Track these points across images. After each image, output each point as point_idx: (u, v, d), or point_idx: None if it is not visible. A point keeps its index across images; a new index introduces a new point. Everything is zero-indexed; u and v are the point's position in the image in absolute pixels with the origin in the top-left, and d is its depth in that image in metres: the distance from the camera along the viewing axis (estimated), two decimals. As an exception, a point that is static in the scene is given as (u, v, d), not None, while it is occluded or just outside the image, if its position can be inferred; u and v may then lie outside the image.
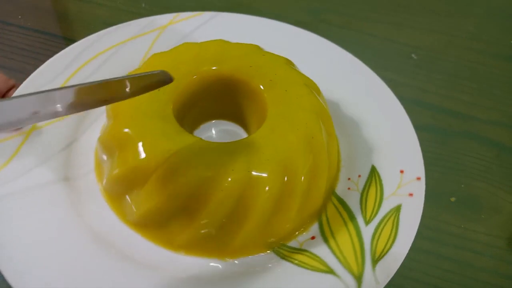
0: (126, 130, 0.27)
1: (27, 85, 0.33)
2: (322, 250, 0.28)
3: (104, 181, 0.30)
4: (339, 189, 0.32)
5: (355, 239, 0.28)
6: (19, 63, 0.40)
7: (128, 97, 0.22)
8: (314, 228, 0.30)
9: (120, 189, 0.29)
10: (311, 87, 0.31)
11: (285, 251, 0.28)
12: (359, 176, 0.32)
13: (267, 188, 0.26)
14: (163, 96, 0.29)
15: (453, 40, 0.47)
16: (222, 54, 0.31)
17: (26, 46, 0.42)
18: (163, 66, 0.30)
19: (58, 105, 0.20)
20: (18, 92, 0.32)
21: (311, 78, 0.32)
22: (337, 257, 0.28)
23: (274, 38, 0.38)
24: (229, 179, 0.25)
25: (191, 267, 0.27)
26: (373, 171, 0.32)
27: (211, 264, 0.28)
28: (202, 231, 0.27)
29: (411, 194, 0.30)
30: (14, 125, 0.20)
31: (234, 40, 0.33)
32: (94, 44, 0.37)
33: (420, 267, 0.31)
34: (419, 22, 0.48)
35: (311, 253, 0.28)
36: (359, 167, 0.32)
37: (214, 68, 0.31)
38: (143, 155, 0.26)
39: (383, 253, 0.28)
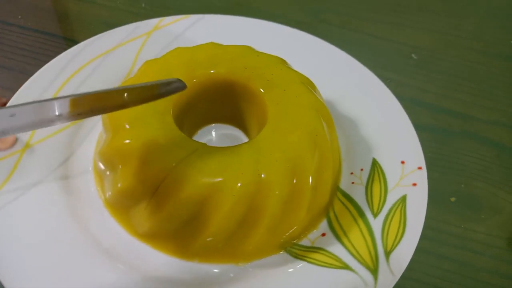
0: (127, 141, 0.27)
1: (17, 99, 0.32)
2: (335, 247, 0.28)
3: (108, 194, 0.29)
4: (343, 184, 0.32)
5: (366, 233, 0.29)
6: (19, 63, 0.40)
7: (142, 103, 0.23)
8: (323, 225, 0.30)
9: (127, 202, 0.28)
10: (308, 85, 0.31)
11: (297, 250, 0.28)
12: (362, 169, 0.32)
13: (277, 189, 0.26)
14: (161, 103, 0.28)
15: (453, 40, 0.47)
16: (216, 57, 0.31)
17: (26, 46, 0.42)
18: (157, 72, 0.30)
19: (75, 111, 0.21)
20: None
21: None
22: (351, 253, 0.28)
23: (264, 38, 0.38)
24: (239, 183, 0.25)
25: (205, 274, 0.27)
26: (375, 164, 0.32)
27: (225, 269, 0.28)
28: (215, 238, 0.27)
29: (414, 184, 0.30)
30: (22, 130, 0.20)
31: (223, 42, 0.33)
32: (79, 54, 0.36)
33: (420, 267, 0.31)
34: (419, 22, 0.48)
35: (325, 250, 0.28)
36: (361, 161, 0.32)
37: (209, 71, 0.31)
38: (149, 166, 0.26)
39: (394, 245, 0.28)
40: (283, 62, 0.32)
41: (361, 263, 0.27)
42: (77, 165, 0.31)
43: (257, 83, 0.30)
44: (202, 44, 0.32)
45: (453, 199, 0.34)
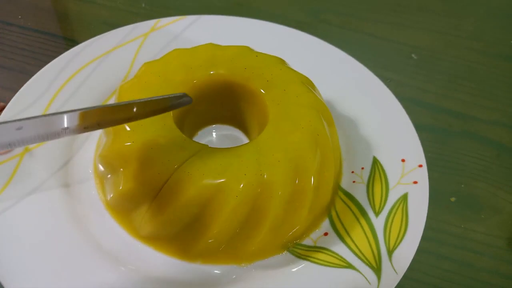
0: (128, 144, 0.27)
1: (14, 104, 0.32)
2: (337, 246, 0.28)
3: (109, 197, 0.29)
4: (344, 183, 0.32)
5: (368, 232, 0.29)
6: (19, 63, 0.40)
7: (148, 117, 0.24)
8: (325, 224, 0.30)
9: (128, 205, 0.28)
10: (308, 84, 0.31)
11: (300, 250, 0.29)
12: (362, 168, 0.32)
13: (280, 190, 0.26)
14: None
15: (453, 40, 0.47)
16: (215, 58, 0.31)
17: (26, 46, 0.42)
18: (157, 74, 0.30)
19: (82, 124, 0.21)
20: (4, 113, 0.31)
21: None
22: (354, 252, 0.28)
23: (262, 38, 0.38)
24: (242, 184, 0.25)
25: (208, 275, 0.27)
26: (375, 162, 0.32)
27: (228, 270, 0.28)
28: (217, 239, 0.27)
29: (415, 182, 0.31)
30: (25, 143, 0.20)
31: (221, 42, 0.33)
32: (79, 55, 0.36)
33: (420, 267, 0.31)
34: (419, 22, 0.48)
35: (327, 249, 0.28)
36: (361, 160, 0.33)
37: (209, 72, 0.31)
38: (150, 168, 0.26)
39: (397, 243, 0.28)
40: (282, 62, 0.32)
41: (364, 262, 0.27)
42: (77, 168, 0.31)
43: (257, 83, 0.30)
44: (201, 45, 0.32)
45: (453, 199, 0.34)
